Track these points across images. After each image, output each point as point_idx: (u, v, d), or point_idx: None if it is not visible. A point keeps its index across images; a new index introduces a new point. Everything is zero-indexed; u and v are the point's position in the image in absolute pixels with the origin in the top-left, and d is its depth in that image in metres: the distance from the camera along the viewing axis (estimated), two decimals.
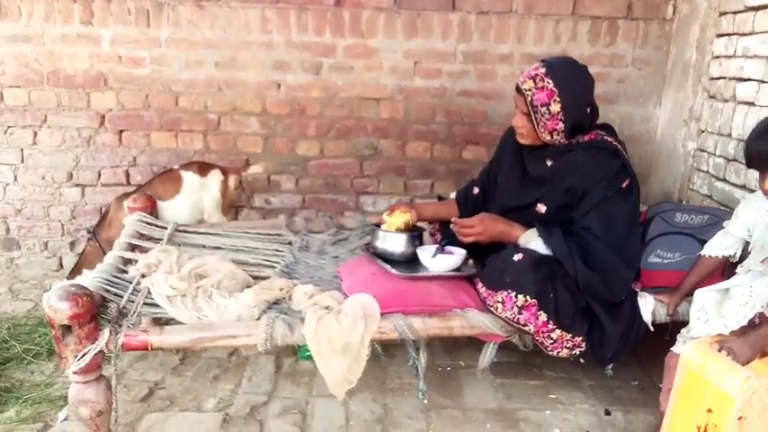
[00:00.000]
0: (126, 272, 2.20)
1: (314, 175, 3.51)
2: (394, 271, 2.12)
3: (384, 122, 3.44)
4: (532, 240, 2.05)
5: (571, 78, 1.98)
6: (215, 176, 3.08)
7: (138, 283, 2.10)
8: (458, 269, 2.18)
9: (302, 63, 3.34)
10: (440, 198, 2.67)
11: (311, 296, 2.10)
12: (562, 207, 2.08)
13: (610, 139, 2.09)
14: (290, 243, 2.77)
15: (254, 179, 3.42)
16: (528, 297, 1.89)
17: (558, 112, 1.97)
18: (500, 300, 1.95)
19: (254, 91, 3.38)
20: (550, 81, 1.95)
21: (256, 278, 2.29)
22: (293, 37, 3.30)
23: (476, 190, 2.45)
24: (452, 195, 2.55)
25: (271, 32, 3.30)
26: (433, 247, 2.21)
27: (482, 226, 2.10)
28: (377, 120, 3.44)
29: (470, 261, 2.24)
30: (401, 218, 2.30)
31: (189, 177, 3.03)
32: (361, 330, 1.93)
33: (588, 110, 2.04)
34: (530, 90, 1.98)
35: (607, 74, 3.39)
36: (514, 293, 1.91)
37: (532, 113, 2.00)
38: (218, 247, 2.60)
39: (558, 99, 1.95)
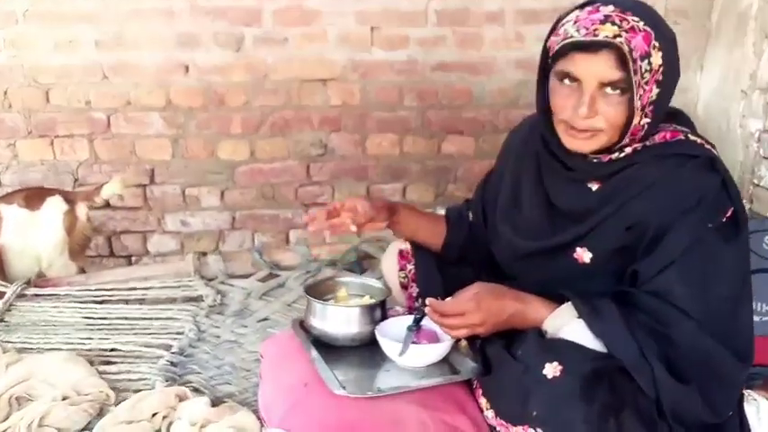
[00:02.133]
0: None
1: (244, 185, 2.77)
2: (339, 391, 1.26)
3: (335, 111, 2.73)
4: (568, 325, 1.19)
5: (658, 16, 1.16)
6: (54, 207, 2.22)
7: None
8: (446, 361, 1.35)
9: (216, 36, 2.59)
10: None
11: (202, 427, 1.27)
12: (619, 252, 1.23)
13: (697, 138, 1.23)
14: (199, 299, 1.96)
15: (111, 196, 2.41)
16: None
17: (660, 67, 1.12)
18: None
19: (153, 77, 2.62)
20: (637, 18, 1.11)
21: (121, 387, 1.44)
22: (201, 1, 2.52)
23: (470, 215, 1.60)
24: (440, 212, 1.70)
25: None
26: (403, 327, 1.36)
27: (480, 312, 1.22)
28: (325, 108, 2.72)
29: (463, 343, 1.39)
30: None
31: (11, 213, 2.19)
32: None
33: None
34: (619, 36, 1.11)
35: None
36: None
37: (633, 75, 1.13)
38: (87, 324, 1.75)
39: (656, 44, 1.11)
